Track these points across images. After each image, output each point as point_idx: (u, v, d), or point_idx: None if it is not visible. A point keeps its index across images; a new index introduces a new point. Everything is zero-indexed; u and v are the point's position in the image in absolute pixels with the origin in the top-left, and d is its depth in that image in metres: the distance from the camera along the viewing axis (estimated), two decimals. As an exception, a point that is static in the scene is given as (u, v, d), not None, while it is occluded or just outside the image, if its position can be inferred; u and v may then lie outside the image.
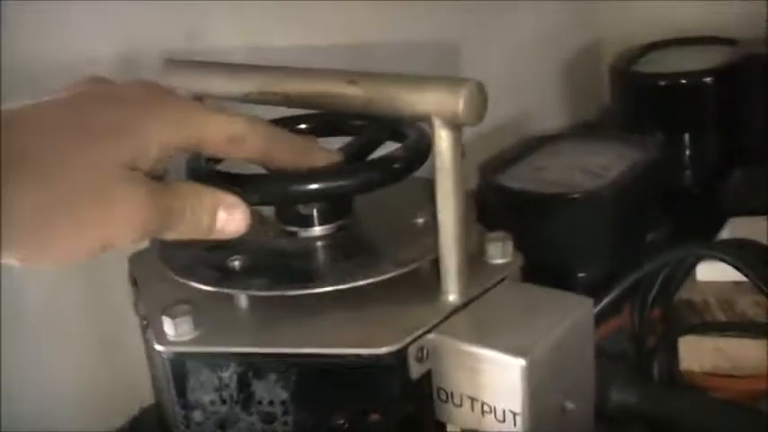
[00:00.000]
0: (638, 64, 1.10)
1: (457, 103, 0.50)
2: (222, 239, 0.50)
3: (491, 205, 0.90)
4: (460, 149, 0.52)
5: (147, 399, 0.73)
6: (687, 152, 1.04)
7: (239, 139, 0.50)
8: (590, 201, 0.85)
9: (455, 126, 0.51)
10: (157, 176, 0.47)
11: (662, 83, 1.04)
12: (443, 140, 0.51)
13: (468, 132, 1.05)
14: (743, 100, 1.02)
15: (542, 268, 0.83)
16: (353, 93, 0.54)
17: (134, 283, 0.64)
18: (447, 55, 0.99)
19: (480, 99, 0.50)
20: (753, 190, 0.98)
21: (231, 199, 0.50)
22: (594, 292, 0.74)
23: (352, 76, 0.54)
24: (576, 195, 0.86)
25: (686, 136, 1.04)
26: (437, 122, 0.51)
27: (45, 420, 0.71)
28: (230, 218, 0.49)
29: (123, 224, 0.44)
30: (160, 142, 0.46)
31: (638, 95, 1.08)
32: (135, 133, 0.45)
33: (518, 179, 0.90)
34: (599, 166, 0.90)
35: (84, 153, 0.43)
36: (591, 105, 1.19)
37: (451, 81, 0.51)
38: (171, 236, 0.48)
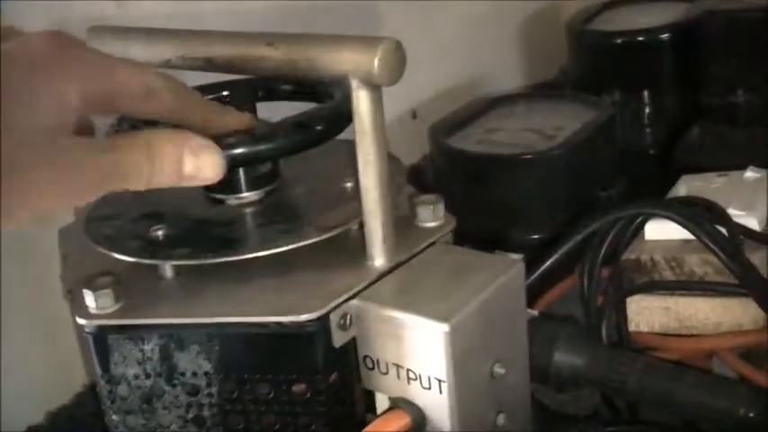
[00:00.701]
0: (594, 22, 1.08)
1: (372, 61, 0.48)
2: (198, 185, 0.48)
3: (442, 169, 0.88)
4: (381, 110, 0.51)
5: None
6: (644, 110, 1.02)
7: (153, 90, 0.48)
8: (541, 162, 0.84)
9: (373, 86, 0.49)
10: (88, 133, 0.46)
11: (618, 40, 1.03)
12: (362, 100, 0.50)
13: (422, 96, 1.04)
14: (700, 57, 1.00)
15: (495, 230, 0.83)
16: (272, 55, 0.52)
17: (63, 257, 0.63)
18: (396, 14, 0.97)
19: (397, 57, 0.49)
20: (710, 148, 0.96)
21: (194, 141, 0.47)
22: (544, 254, 0.74)
23: (271, 38, 0.53)
24: (527, 156, 0.84)
25: (644, 94, 1.02)
26: (354, 82, 0.49)
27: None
28: (199, 161, 0.47)
29: (56, 190, 0.42)
30: (80, 94, 0.44)
31: (594, 54, 1.06)
32: (53, 93, 0.43)
33: (469, 141, 0.88)
34: (551, 127, 0.89)
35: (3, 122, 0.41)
36: (550, 66, 1.17)
37: (368, 40, 0.49)
38: (136, 187, 0.46)
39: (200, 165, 0.47)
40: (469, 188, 0.85)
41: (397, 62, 0.49)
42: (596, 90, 1.01)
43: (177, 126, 0.51)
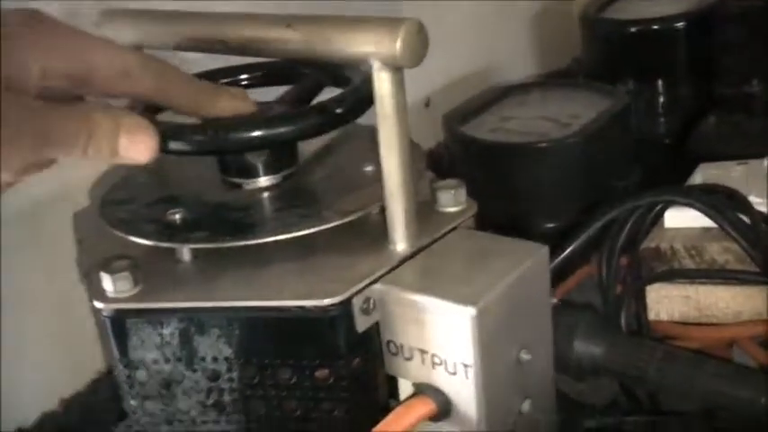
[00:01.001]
0: (608, 11, 1.07)
1: (395, 43, 0.47)
2: (129, 164, 0.48)
3: (456, 156, 0.87)
4: (403, 93, 0.50)
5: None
6: (659, 100, 1.01)
7: (128, 71, 0.48)
8: (557, 150, 0.83)
9: (395, 68, 0.49)
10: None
11: (632, 29, 1.01)
12: (384, 83, 0.49)
13: (436, 84, 1.03)
14: (715, 46, 1.00)
15: (510, 219, 0.82)
16: (291, 36, 0.52)
17: (78, 241, 0.62)
18: (410, 1, 0.96)
19: (420, 39, 0.48)
20: (725, 137, 0.95)
21: (132, 120, 0.47)
22: (563, 242, 0.73)
23: (289, 20, 0.52)
24: (542, 144, 0.83)
25: (658, 83, 1.01)
26: (376, 64, 0.49)
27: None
28: (132, 141, 0.47)
29: (5, 145, 0.42)
30: (42, 68, 0.44)
31: (608, 43, 1.05)
32: (13, 62, 0.43)
33: (484, 129, 0.87)
34: (567, 115, 0.88)
35: None
36: (563, 55, 1.16)
37: (389, 21, 0.48)
38: (71, 156, 0.45)
39: (134, 144, 0.47)
40: (484, 176, 0.84)
41: (420, 44, 0.48)
42: (610, 79, 1.00)
43: (163, 108, 0.52)
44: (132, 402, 0.54)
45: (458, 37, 1.04)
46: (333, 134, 0.58)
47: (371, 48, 0.48)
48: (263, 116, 0.53)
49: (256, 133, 0.52)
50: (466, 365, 0.48)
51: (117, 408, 0.59)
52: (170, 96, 0.51)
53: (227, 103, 0.53)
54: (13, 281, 0.65)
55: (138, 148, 0.47)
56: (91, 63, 0.47)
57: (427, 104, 1.02)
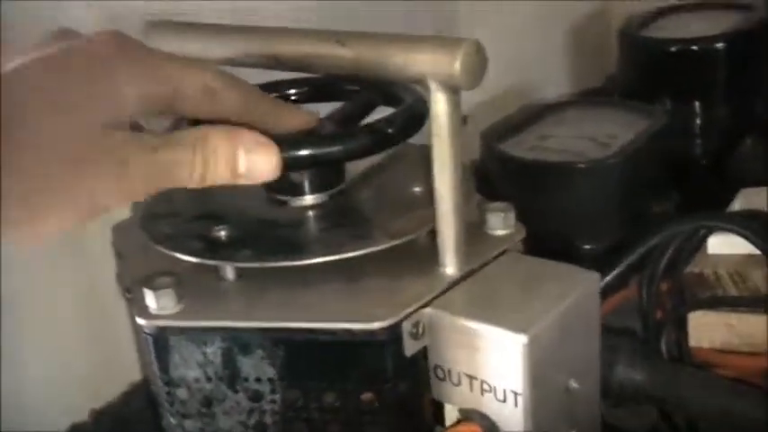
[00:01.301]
0: (648, 29, 1.06)
1: (454, 63, 0.47)
2: (253, 183, 0.47)
3: (493, 175, 0.87)
4: (459, 114, 0.49)
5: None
6: (697, 121, 1.00)
7: (214, 91, 0.47)
8: (596, 170, 0.82)
9: (452, 89, 0.48)
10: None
11: (672, 48, 1.00)
12: (440, 104, 0.48)
13: (470, 101, 1.02)
14: (755, 67, 0.99)
15: (547, 240, 0.81)
16: (343, 53, 0.51)
17: (118, 255, 0.62)
18: (446, 18, 0.96)
19: (479, 60, 0.47)
20: (763, 160, 0.94)
21: (251, 138, 0.46)
22: (600, 264, 0.72)
23: (342, 37, 0.51)
24: (581, 164, 0.82)
25: (696, 104, 1.00)
26: (433, 85, 0.48)
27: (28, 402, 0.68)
28: (253, 158, 0.46)
29: (110, 186, 0.42)
30: (138, 95, 0.44)
31: (647, 61, 1.04)
32: (111, 91, 0.43)
33: (521, 147, 0.86)
34: (605, 135, 0.87)
35: (61, 122, 0.41)
36: (596, 74, 1.16)
37: (448, 41, 0.48)
38: (188, 185, 0.45)
39: (255, 162, 0.46)
40: (521, 195, 0.83)
41: (480, 64, 0.48)
42: (647, 98, 0.98)
43: (239, 125, 0.49)
44: (172, 420, 0.54)
45: (492, 53, 1.04)
46: (382, 153, 0.57)
47: (429, 68, 0.48)
48: (312, 135, 0.53)
49: (304, 152, 0.51)
50: (516, 393, 0.48)
51: (148, 421, 0.58)
52: (249, 115, 0.50)
53: (299, 119, 0.53)
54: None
55: (259, 166, 0.46)
56: (177, 84, 0.46)
57: (465, 122, 1.01)
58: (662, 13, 1.09)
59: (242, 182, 0.46)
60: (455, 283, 0.51)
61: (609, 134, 0.88)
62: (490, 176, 0.88)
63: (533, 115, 0.93)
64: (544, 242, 0.80)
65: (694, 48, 0.99)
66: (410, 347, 0.49)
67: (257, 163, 0.46)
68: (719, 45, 0.98)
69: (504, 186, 0.85)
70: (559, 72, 1.20)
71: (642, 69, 1.05)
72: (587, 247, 0.82)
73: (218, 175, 0.45)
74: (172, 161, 0.44)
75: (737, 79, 0.99)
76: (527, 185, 0.83)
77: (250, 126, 0.49)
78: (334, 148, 0.52)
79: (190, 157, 0.44)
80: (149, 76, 0.45)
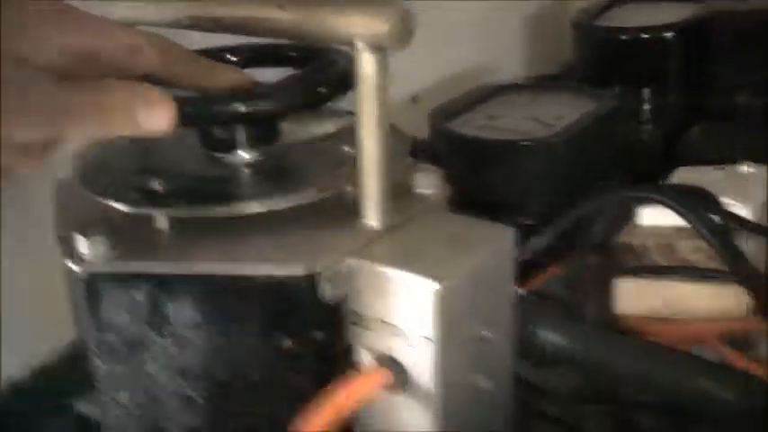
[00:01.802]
0: (601, 18, 1.08)
1: (381, 24, 0.48)
2: (147, 136, 0.48)
3: (441, 153, 0.88)
4: (386, 75, 0.51)
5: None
6: (647, 107, 1.03)
7: (137, 48, 0.49)
8: (539, 148, 0.84)
9: (379, 49, 0.50)
10: None
11: (624, 37, 1.03)
12: (367, 64, 0.50)
13: (425, 80, 1.04)
14: (705, 56, 1.01)
15: (491, 216, 0.83)
16: (281, 16, 0.53)
17: (57, 207, 0.63)
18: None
19: (406, 23, 0.49)
20: (710, 146, 0.96)
21: (148, 91, 0.48)
22: (535, 235, 0.74)
23: (282, 1, 0.53)
24: (525, 142, 0.84)
25: (646, 91, 1.03)
26: (360, 45, 0.50)
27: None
28: (151, 112, 0.47)
29: (9, 118, 0.43)
30: (60, 45, 0.45)
31: (600, 50, 1.06)
32: (32, 32, 0.44)
33: (469, 126, 0.89)
34: (552, 116, 0.89)
35: None
36: (552, 61, 1.18)
37: (377, 3, 0.49)
38: (90, 130, 0.47)
39: (151, 117, 0.47)
40: (467, 173, 0.86)
41: (407, 27, 0.49)
42: (600, 85, 1.01)
43: (164, 83, 0.51)
44: (101, 365, 0.55)
45: (449, 37, 1.06)
46: (336, 123, 0.59)
47: (358, 29, 0.49)
48: (242, 90, 0.54)
49: (239, 107, 0.53)
50: (427, 338, 0.49)
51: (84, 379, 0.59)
52: (173, 72, 0.52)
53: (225, 77, 0.55)
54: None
55: (157, 118, 0.47)
56: (103, 42, 0.48)
57: (414, 101, 1.03)
58: (615, 2, 1.11)
59: (139, 133, 0.48)
60: (377, 235, 0.53)
61: (556, 116, 0.90)
62: (438, 155, 0.90)
63: (484, 96, 0.95)
64: (489, 217, 0.83)
65: (645, 36, 1.02)
66: (329, 295, 0.51)
67: (154, 115, 0.47)
68: (669, 35, 1.01)
69: (450, 164, 0.86)
70: (516, 58, 1.22)
71: (596, 58, 1.08)
72: (529, 223, 0.84)
73: (118, 125, 0.47)
74: (73, 103, 0.45)
75: (686, 68, 1.02)
76: (472, 163, 0.85)
77: (175, 83, 0.52)
78: (267, 104, 0.54)
79: (90, 102, 0.46)
80: (77, 31, 0.47)
